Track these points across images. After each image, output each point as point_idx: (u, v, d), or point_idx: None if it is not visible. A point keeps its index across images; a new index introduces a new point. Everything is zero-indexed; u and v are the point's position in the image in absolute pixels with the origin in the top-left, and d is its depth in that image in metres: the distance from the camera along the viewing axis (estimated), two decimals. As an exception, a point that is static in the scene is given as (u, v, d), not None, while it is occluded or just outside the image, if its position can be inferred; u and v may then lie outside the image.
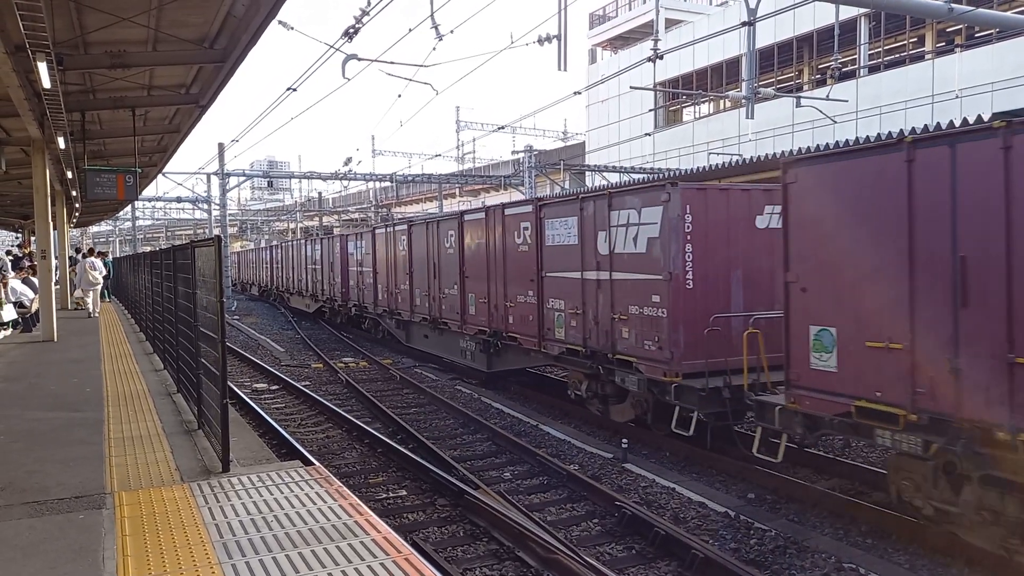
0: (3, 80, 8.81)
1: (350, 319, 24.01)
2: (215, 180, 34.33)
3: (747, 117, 19.25)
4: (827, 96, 21.19)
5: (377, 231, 20.25)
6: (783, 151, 16.72)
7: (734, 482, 8.38)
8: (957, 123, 10.64)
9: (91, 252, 24.68)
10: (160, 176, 28.66)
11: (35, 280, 15.02)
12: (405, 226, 17.87)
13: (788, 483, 7.94)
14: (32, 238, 25.92)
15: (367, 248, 20.92)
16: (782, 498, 7.79)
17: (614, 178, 33.04)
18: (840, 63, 20.49)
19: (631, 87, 28.99)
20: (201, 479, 5.31)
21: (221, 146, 32.55)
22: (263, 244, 54.25)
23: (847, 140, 13.58)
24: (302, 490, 5.05)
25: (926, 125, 13.49)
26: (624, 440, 9.48)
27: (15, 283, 15.25)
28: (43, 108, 10.12)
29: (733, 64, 34.34)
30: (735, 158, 18.96)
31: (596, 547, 6.65)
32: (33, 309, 15.11)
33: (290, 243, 34.43)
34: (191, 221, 58.27)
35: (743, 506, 7.59)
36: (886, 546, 6.57)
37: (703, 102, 38.65)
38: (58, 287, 17.46)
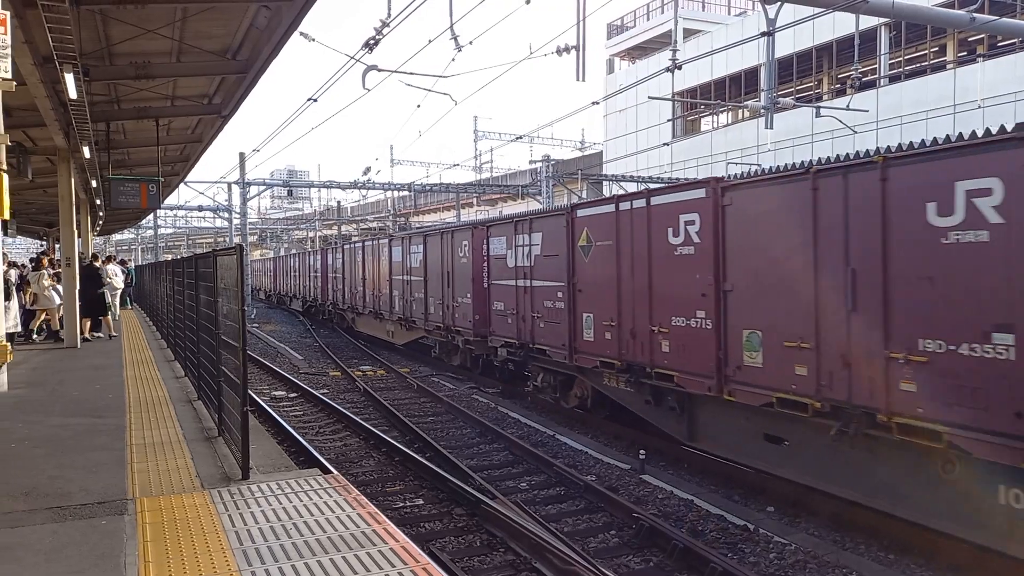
0: (31, 90, 8.98)
1: (488, 365, 15.49)
2: (236, 189, 34.72)
3: (766, 127, 19.19)
4: (847, 106, 21.10)
5: (583, 214, 10.91)
6: (802, 162, 16.53)
7: (753, 495, 8.30)
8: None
9: (110, 259, 24.92)
10: (182, 185, 29.06)
11: (59, 287, 15.24)
12: (703, 194, 8.45)
13: (808, 496, 7.85)
14: (57, 245, 26.32)
15: (549, 246, 11.81)
16: (802, 512, 7.71)
17: (632, 187, 32.98)
18: (860, 73, 20.35)
19: (649, 97, 28.94)
20: (221, 486, 5.35)
21: (242, 155, 32.91)
22: (282, 252, 54.51)
23: (867, 150, 13.45)
24: (320, 498, 5.06)
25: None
26: (642, 451, 9.43)
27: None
28: (69, 118, 10.30)
29: (752, 74, 34.21)
30: (756, 167, 18.88)
31: (613, 559, 6.61)
32: (58, 315, 15.31)
33: (359, 245, 24.65)
34: (212, 229, 58.85)
35: (762, 519, 7.52)
36: (908, 561, 6.48)
37: (721, 112, 38.53)
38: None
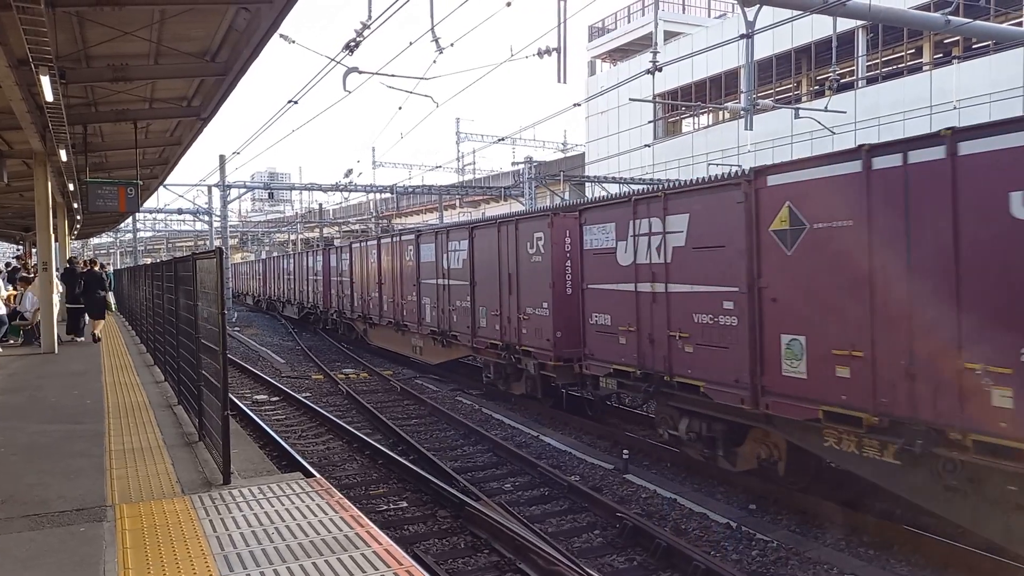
0: (6, 94, 8.86)
1: (571, 397, 12.54)
2: (216, 192, 34.46)
3: (746, 128, 19.36)
4: (825, 107, 21.32)
5: (782, 181, 7.41)
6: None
7: (735, 493, 8.36)
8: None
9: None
10: (161, 188, 28.78)
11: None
12: None
13: (789, 493, 7.92)
14: (33, 250, 25.95)
15: (704, 234, 8.37)
16: (784, 509, 7.78)
17: (614, 189, 33.13)
18: (838, 75, 20.58)
19: (630, 99, 29.11)
20: (202, 491, 5.31)
21: (222, 158, 32.69)
22: (263, 255, 54.09)
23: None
24: (303, 502, 5.04)
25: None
26: (625, 451, 9.47)
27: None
28: (45, 121, 10.18)
29: (732, 76, 34.48)
30: (735, 169, 19.01)
31: (597, 559, 6.64)
32: (34, 321, 15.13)
33: (373, 243, 20.64)
34: (192, 233, 58.34)
35: (745, 517, 7.58)
36: (888, 556, 6.55)
37: (702, 114, 38.79)
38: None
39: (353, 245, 23.13)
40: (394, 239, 19.11)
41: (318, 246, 37.54)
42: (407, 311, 17.61)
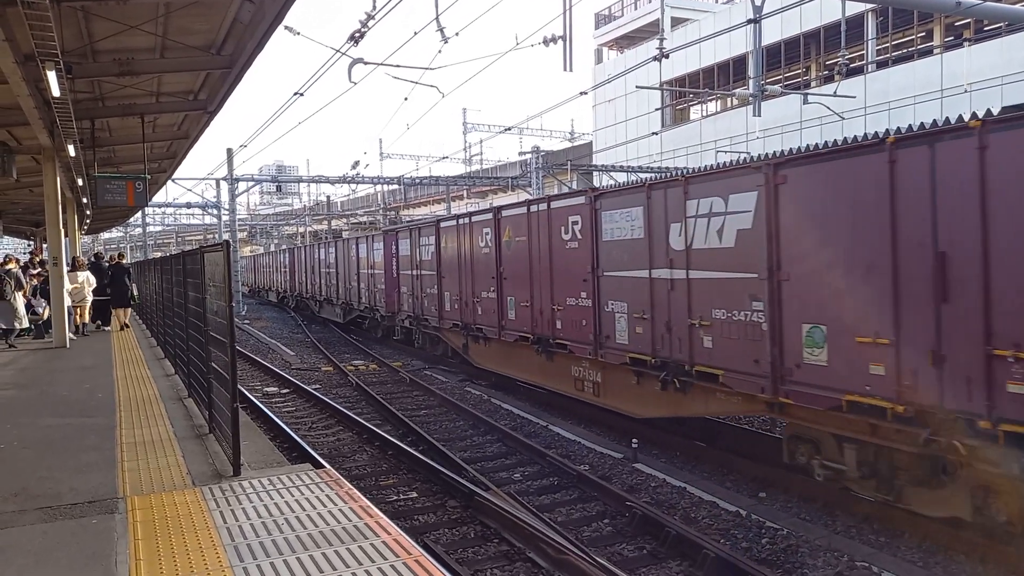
0: (13, 89, 8.88)
1: None
2: (224, 185, 34.55)
3: (754, 115, 19.24)
4: (835, 92, 21.15)
5: None
6: (791, 149, 16.25)
7: (745, 481, 8.35)
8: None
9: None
10: (170, 182, 28.86)
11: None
12: None
13: (799, 482, 7.90)
14: (44, 245, 26.15)
15: None
16: (793, 497, 7.76)
17: (622, 178, 32.99)
18: (847, 59, 20.37)
19: (637, 86, 28.92)
20: (212, 483, 5.34)
21: (230, 151, 32.76)
22: (272, 247, 54.17)
23: (846, 138, 13.42)
24: (313, 493, 5.06)
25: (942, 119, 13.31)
26: (634, 440, 9.46)
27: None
28: (53, 116, 10.20)
29: (740, 62, 34.19)
30: (744, 156, 18.89)
31: (607, 547, 6.65)
32: (45, 316, 15.24)
33: (488, 216, 14.11)
34: (201, 226, 58.60)
35: (754, 505, 7.57)
36: (899, 544, 6.53)
37: (710, 100, 38.53)
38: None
39: (443, 224, 16.53)
40: (533, 209, 12.38)
41: (326, 238, 37.15)
42: (564, 322, 11.37)
